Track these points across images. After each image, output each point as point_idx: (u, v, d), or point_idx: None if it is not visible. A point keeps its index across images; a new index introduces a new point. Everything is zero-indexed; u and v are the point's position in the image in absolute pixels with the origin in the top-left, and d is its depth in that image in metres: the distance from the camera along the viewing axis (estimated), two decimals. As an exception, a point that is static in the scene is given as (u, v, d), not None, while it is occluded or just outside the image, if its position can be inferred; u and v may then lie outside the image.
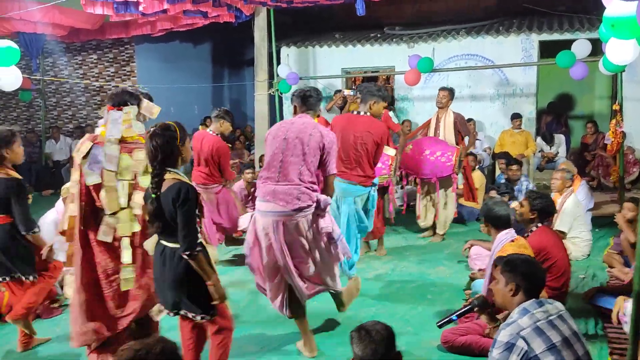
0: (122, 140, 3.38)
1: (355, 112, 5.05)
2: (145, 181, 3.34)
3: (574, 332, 2.54)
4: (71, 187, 3.50)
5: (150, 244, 3.24)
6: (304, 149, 3.63)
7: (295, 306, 3.86)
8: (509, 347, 2.45)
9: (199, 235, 2.99)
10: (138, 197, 3.35)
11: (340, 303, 4.08)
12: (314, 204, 3.65)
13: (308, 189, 3.63)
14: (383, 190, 6.08)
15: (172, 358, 1.94)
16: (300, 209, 3.59)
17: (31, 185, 10.74)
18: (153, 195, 2.93)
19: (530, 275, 2.70)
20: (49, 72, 11.74)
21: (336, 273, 3.92)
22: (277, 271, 3.75)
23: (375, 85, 5.12)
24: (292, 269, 3.69)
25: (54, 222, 5.08)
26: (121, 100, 3.46)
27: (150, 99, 4.16)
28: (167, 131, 2.97)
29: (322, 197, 3.70)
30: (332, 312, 4.34)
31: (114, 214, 3.37)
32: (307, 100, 3.89)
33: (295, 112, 3.96)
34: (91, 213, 3.45)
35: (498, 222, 3.91)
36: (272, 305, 3.95)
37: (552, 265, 4.20)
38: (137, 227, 3.43)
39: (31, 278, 4.03)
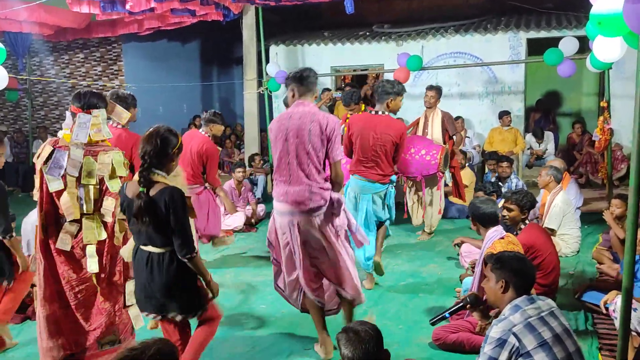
0: (87, 144, 3.25)
1: (373, 112, 5.03)
2: (115, 186, 3.28)
3: (565, 329, 2.55)
4: (34, 195, 3.40)
5: (127, 252, 3.22)
6: (306, 148, 3.54)
7: (309, 302, 3.83)
8: (501, 343, 2.46)
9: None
10: (108, 203, 3.26)
11: (349, 313, 3.90)
12: (327, 203, 3.60)
13: (320, 188, 3.57)
14: None
15: (168, 358, 1.91)
16: (312, 210, 3.56)
17: (18, 186, 10.67)
18: (142, 189, 2.89)
19: (520, 272, 2.71)
20: (35, 71, 11.64)
21: (354, 275, 3.77)
22: (295, 267, 3.75)
23: (389, 83, 5.03)
24: (307, 266, 3.71)
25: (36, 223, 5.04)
26: (90, 102, 3.31)
27: (134, 101, 4.12)
28: (171, 135, 3.00)
29: (336, 196, 3.64)
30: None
31: (75, 221, 3.27)
32: (305, 80, 3.65)
33: (292, 97, 3.70)
34: (54, 221, 3.34)
35: (485, 221, 3.92)
36: (288, 300, 3.98)
37: (542, 262, 4.23)
38: (104, 235, 3.31)
39: (5, 283, 3.95)
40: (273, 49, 11.00)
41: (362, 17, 10.82)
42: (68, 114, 3.40)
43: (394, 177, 5.04)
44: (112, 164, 3.29)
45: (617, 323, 3.50)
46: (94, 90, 3.50)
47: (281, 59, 10.85)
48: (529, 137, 9.94)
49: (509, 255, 2.86)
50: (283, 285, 3.95)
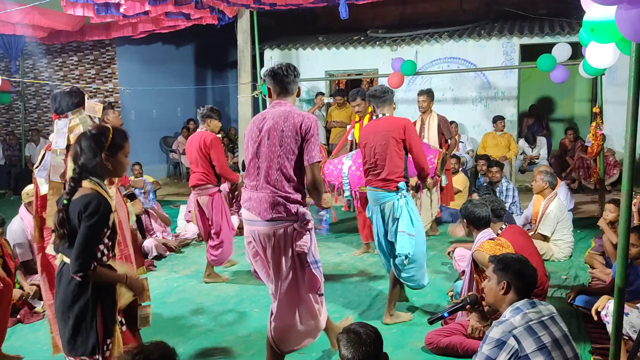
0: (69, 147, 3.14)
1: (374, 117, 4.75)
2: None
3: (564, 335, 2.56)
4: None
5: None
6: (277, 151, 3.14)
7: None
8: (500, 344, 2.47)
9: (105, 256, 2.56)
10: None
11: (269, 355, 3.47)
12: (292, 217, 3.17)
13: (285, 198, 3.15)
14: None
15: None
16: (272, 220, 3.15)
17: (10, 189, 10.61)
18: (65, 202, 2.53)
19: (522, 274, 2.73)
20: (28, 74, 11.59)
21: (311, 307, 3.32)
22: (269, 279, 3.39)
23: (389, 88, 4.66)
24: (272, 280, 3.33)
25: (20, 227, 5.04)
26: (61, 106, 3.25)
27: (111, 107, 4.00)
28: (98, 136, 2.57)
29: (302, 211, 3.19)
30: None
31: None
32: (282, 80, 3.30)
33: (270, 97, 3.39)
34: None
35: (479, 223, 3.98)
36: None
37: None
38: None
39: None
40: (267, 52, 11.01)
41: (356, 22, 10.87)
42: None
43: (402, 185, 4.29)
44: None
45: (609, 327, 3.52)
46: (66, 90, 3.36)
47: (275, 62, 10.84)
48: (522, 142, 9.99)
49: (512, 258, 2.88)
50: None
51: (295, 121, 3.15)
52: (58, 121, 3.26)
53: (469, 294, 3.34)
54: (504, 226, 4.61)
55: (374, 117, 4.78)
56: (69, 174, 2.59)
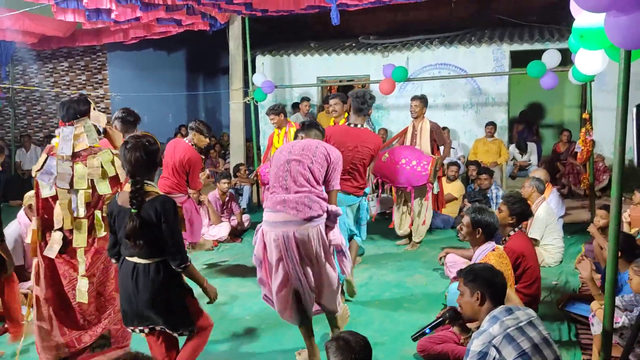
0: (74, 154, 3.36)
1: (352, 125, 5.04)
2: (103, 188, 3.33)
3: (544, 338, 2.56)
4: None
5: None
6: (311, 159, 3.61)
7: (302, 316, 3.73)
8: (482, 356, 2.48)
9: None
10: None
11: (335, 326, 3.94)
12: (325, 214, 3.57)
13: (319, 197, 3.56)
14: None
15: None
16: (311, 218, 3.49)
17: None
18: (134, 211, 2.81)
19: (493, 282, 2.77)
20: (19, 80, 11.53)
21: (337, 292, 3.79)
22: (287, 283, 3.60)
23: (369, 95, 5.06)
24: (303, 278, 3.58)
25: (16, 232, 5.00)
26: (69, 114, 3.40)
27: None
28: (152, 145, 2.93)
29: (333, 207, 3.62)
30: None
31: (61, 229, 3.37)
32: (312, 129, 4.02)
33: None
34: (50, 226, 3.43)
35: (492, 230, 3.84)
36: (280, 316, 3.78)
37: (526, 270, 4.26)
38: (103, 233, 3.41)
39: None
40: (259, 58, 11.02)
41: (348, 28, 10.91)
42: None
43: (367, 190, 5.04)
44: (102, 166, 3.36)
45: (593, 329, 3.54)
46: (74, 98, 3.47)
47: (267, 69, 10.86)
48: (513, 148, 10.04)
49: (479, 267, 2.92)
50: (272, 298, 3.77)
51: (327, 148, 3.72)
52: (64, 128, 3.39)
53: (447, 308, 3.31)
54: (511, 233, 4.52)
55: (349, 124, 4.94)
56: (129, 187, 2.83)
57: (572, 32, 3.24)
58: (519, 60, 9.85)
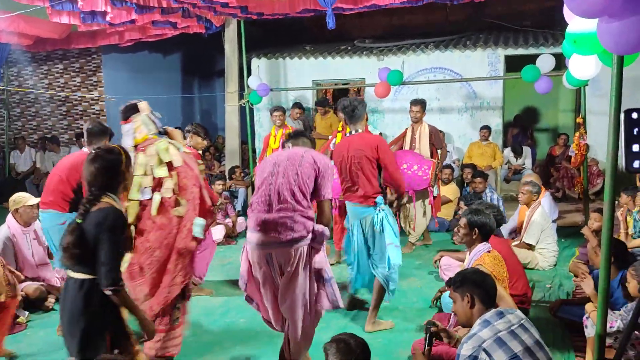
0: (136, 145, 3.77)
1: (348, 134, 4.91)
2: (161, 172, 3.61)
3: (536, 341, 2.57)
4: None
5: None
6: (296, 169, 3.35)
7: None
8: None
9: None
10: (168, 183, 3.61)
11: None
12: (310, 235, 3.31)
13: (302, 216, 3.29)
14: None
15: None
16: (293, 240, 3.26)
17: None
18: (78, 221, 2.61)
19: (481, 283, 2.77)
20: (13, 81, 11.49)
21: (309, 323, 3.47)
22: (276, 301, 3.46)
23: (360, 103, 4.74)
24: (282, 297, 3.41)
25: (5, 235, 5.00)
26: (128, 114, 3.85)
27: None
28: (110, 154, 2.76)
29: (320, 228, 3.35)
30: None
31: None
32: (300, 138, 3.79)
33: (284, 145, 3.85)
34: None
35: (488, 235, 3.85)
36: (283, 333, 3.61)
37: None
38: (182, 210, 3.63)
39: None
40: (255, 61, 11.02)
41: (344, 32, 10.92)
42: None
43: (380, 199, 4.48)
44: (158, 154, 3.68)
45: (587, 331, 3.56)
46: (130, 104, 3.93)
47: (263, 72, 10.87)
48: (507, 151, 10.08)
49: (467, 271, 2.95)
50: (267, 317, 3.63)
51: (314, 156, 3.45)
52: (125, 125, 3.85)
53: (425, 321, 3.24)
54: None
55: (348, 134, 4.87)
56: (86, 196, 2.73)
57: (566, 37, 3.26)
58: (513, 64, 9.89)
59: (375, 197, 4.45)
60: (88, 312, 2.59)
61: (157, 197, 3.59)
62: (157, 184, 3.63)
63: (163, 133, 3.96)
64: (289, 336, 3.49)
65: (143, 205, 3.60)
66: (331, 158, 6.42)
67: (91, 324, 2.60)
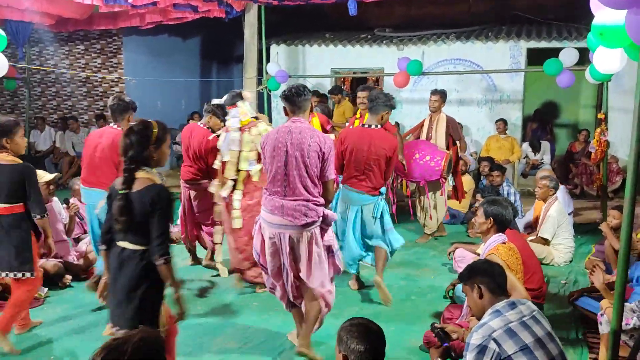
0: (241, 127, 4.68)
1: (366, 126, 4.96)
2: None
3: (548, 333, 2.55)
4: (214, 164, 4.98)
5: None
6: (305, 161, 3.58)
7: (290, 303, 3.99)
8: (481, 349, 2.46)
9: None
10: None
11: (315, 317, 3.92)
12: (320, 219, 3.68)
13: (315, 204, 3.63)
14: None
15: (153, 347, 1.83)
16: (307, 225, 3.62)
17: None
18: (121, 192, 2.78)
19: (488, 271, 2.77)
20: (34, 61, 11.59)
21: (329, 281, 3.85)
22: (281, 276, 3.85)
23: (385, 95, 4.97)
24: (290, 273, 3.77)
25: None
26: (233, 101, 4.77)
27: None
28: (143, 130, 2.87)
29: (329, 213, 3.75)
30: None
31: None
32: (295, 101, 3.68)
33: (286, 114, 3.78)
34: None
35: (505, 226, 3.81)
36: (282, 303, 4.06)
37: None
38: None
39: (21, 275, 3.97)
40: (274, 48, 11.01)
41: (364, 21, 10.85)
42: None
43: (383, 190, 4.96)
44: (261, 134, 4.44)
45: (601, 328, 3.53)
46: (235, 92, 4.89)
47: (282, 58, 10.86)
48: (526, 146, 9.98)
49: (475, 263, 2.96)
50: (272, 286, 4.01)
51: (320, 140, 3.62)
52: (232, 110, 4.74)
53: (436, 327, 3.31)
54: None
55: (364, 125, 4.92)
56: (122, 168, 2.88)
57: (592, 30, 3.21)
58: (535, 57, 9.76)
59: (380, 188, 4.90)
60: (150, 280, 2.82)
61: (259, 166, 4.60)
62: (259, 157, 4.38)
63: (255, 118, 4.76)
64: (308, 306, 3.84)
65: (248, 174, 4.64)
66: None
67: (151, 292, 2.83)
